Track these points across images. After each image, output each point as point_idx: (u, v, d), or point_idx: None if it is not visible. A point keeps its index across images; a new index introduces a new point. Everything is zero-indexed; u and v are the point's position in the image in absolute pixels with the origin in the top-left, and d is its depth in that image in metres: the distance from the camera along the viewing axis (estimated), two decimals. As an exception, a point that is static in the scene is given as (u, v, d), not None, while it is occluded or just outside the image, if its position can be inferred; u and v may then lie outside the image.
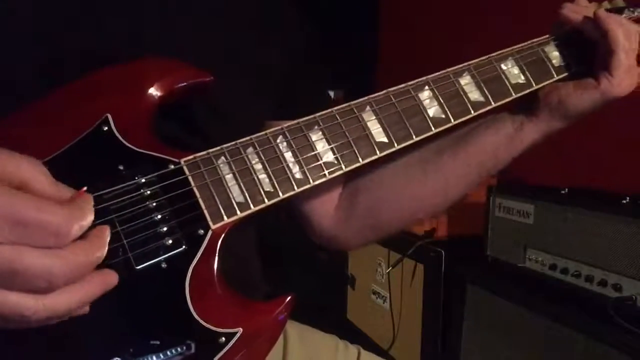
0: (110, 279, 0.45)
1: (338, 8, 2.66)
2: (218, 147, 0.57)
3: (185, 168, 0.55)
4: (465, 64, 0.69)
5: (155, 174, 0.54)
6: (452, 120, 0.66)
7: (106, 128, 0.55)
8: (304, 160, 0.60)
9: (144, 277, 0.51)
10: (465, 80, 0.68)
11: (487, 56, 0.70)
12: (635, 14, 0.71)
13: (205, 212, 0.54)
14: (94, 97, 0.56)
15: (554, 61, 0.71)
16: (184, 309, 0.52)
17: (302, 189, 0.59)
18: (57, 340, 0.48)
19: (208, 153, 0.57)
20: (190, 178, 0.55)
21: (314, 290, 2.13)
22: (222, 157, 0.57)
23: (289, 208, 0.80)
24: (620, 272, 1.13)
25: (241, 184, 0.57)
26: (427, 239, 1.78)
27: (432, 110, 0.66)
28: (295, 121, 0.61)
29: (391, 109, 0.64)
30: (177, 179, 0.55)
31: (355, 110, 0.63)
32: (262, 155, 0.58)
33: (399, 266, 1.86)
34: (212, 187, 0.56)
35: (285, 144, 0.60)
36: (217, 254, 0.55)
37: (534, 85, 0.70)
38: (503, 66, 0.70)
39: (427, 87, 0.66)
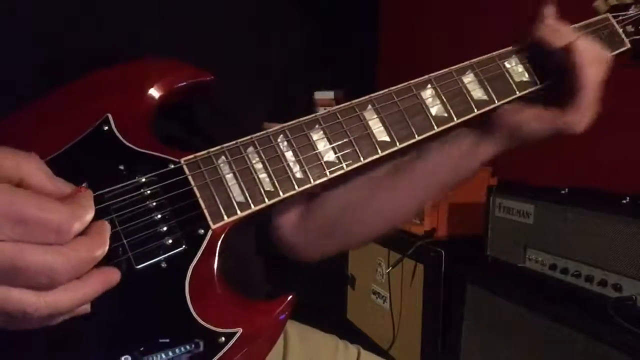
0: (113, 276, 0.45)
1: (338, 8, 2.66)
2: (218, 147, 0.57)
3: (185, 167, 0.55)
4: (468, 62, 0.68)
5: (155, 173, 0.54)
6: (455, 118, 0.66)
7: (106, 128, 0.55)
8: (304, 159, 0.59)
9: (144, 277, 0.51)
10: (469, 79, 0.67)
11: (490, 54, 0.69)
12: None
13: (206, 211, 0.54)
14: (94, 97, 0.56)
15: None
16: (184, 309, 0.51)
17: (302, 188, 0.59)
18: (61, 341, 0.48)
19: (208, 152, 0.57)
20: (190, 177, 0.55)
21: (314, 290, 2.13)
22: (223, 157, 0.57)
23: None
24: (620, 272, 1.13)
25: (241, 184, 0.56)
26: (427, 239, 1.78)
27: (435, 108, 0.65)
28: (296, 120, 0.61)
29: (393, 108, 0.64)
30: (177, 178, 0.55)
31: (357, 109, 0.63)
32: (262, 155, 0.58)
33: (399, 266, 1.86)
34: (212, 186, 0.55)
35: (285, 143, 0.59)
36: (217, 254, 0.54)
37: (538, 84, 0.69)
38: (507, 64, 0.69)
39: (429, 86, 0.66)
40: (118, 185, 0.52)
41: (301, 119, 0.61)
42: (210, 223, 0.54)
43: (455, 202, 1.80)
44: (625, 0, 0.72)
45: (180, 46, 0.64)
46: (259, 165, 0.58)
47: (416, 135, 0.64)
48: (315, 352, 0.84)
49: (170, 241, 0.52)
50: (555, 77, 0.68)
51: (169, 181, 0.54)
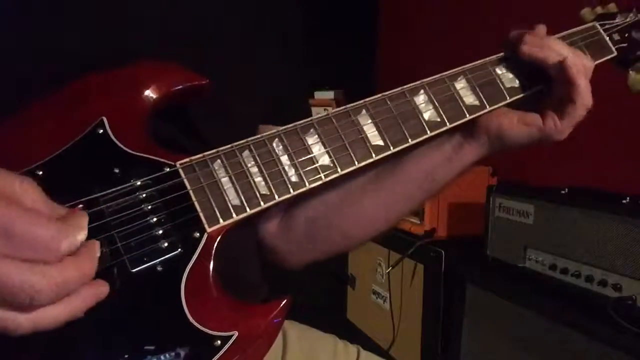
0: (101, 290, 0.44)
1: (337, 8, 2.66)
2: (214, 150, 0.57)
3: (180, 171, 0.55)
4: (460, 68, 0.69)
5: (151, 176, 0.54)
6: (448, 123, 0.67)
7: (101, 131, 0.55)
8: (299, 163, 0.60)
9: (139, 280, 0.51)
10: (461, 84, 0.68)
11: (482, 60, 0.70)
12: (628, 19, 0.71)
13: (201, 215, 0.54)
14: (89, 100, 0.56)
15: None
16: (180, 312, 0.51)
17: (298, 191, 0.59)
18: (55, 345, 0.47)
19: (204, 156, 0.57)
20: (185, 181, 0.55)
21: (314, 290, 2.13)
22: (218, 160, 0.57)
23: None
24: (620, 272, 1.13)
25: (237, 187, 0.56)
26: (427, 239, 1.77)
27: (428, 113, 0.66)
28: (292, 124, 0.61)
29: (387, 113, 0.65)
30: (172, 181, 0.55)
31: (351, 114, 0.63)
32: (258, 158, 0.58)
33: (399, 266, 1.86)
34: (207, 190, 0.55)
35: (281, 147, 0.60)
36: (212, 257, 0.54)
37: (528, 90, 0.70)
38: (498, 70, 0.70)
39: (422, 91, 0.67)
40: (113, 189, 0.52)
41: (296, 123, 0.61)
42: (206, 226, 0.54)
43: (455, 202, 1.80)
44: (611, 9, 0.73)
45: (178, 48, 0.64)
46: (255, 169, 0.58)
47: (409, 140, 0.65)
48: (315, 352, 0.84)
49: (165, 244, 0.52)
50: (543, 83, 0.70)
51: (165, 184, 0.54)
